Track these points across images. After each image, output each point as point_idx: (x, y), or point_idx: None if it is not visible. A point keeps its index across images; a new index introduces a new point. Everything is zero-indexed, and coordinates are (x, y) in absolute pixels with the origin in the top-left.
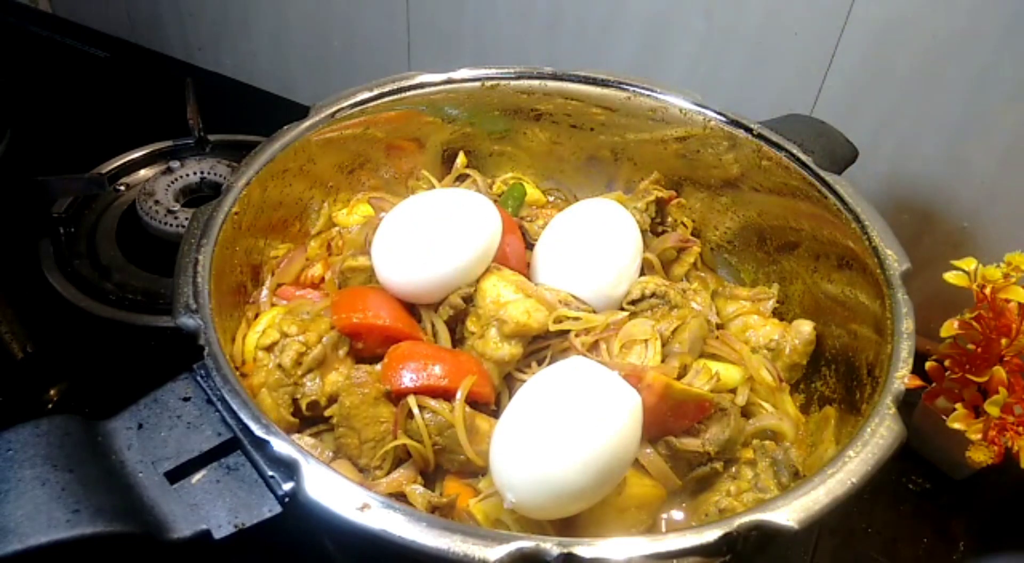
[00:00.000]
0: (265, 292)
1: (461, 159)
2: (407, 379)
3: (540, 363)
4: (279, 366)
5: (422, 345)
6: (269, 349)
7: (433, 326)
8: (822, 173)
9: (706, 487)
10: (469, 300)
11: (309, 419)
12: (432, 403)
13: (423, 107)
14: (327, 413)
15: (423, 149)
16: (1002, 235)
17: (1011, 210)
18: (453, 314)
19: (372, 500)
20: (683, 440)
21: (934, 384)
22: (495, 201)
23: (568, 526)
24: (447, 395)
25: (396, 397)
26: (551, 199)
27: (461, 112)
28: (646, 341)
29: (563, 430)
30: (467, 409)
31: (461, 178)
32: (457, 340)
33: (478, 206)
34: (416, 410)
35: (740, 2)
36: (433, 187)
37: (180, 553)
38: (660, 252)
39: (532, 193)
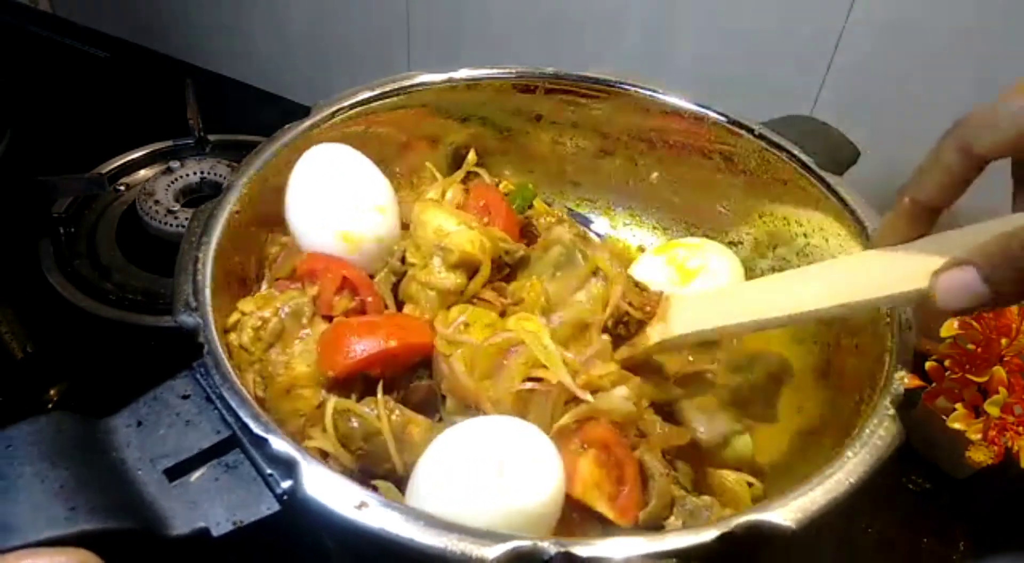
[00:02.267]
0: (264, 286)
1: (471, 156)
2: (342, 359)
3: None
4: (240, 346)
5: (351, 322)
6: (232, 330)
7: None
8: (823, 174)
9: None
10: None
11: None
12: (361, 409)
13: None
14: None
15: (433, 147)
16: None
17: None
18: (395, 280)
19: (370, 499)
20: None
21: (934, 384)
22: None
23: None
24: (392, 361)
25: (343, 379)
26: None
27: (463, 111)
28: None
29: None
30: (398, 414)
31: (469, 176)
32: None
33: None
34: (329, 419)
35: (740, 2)
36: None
37: (179, 550)
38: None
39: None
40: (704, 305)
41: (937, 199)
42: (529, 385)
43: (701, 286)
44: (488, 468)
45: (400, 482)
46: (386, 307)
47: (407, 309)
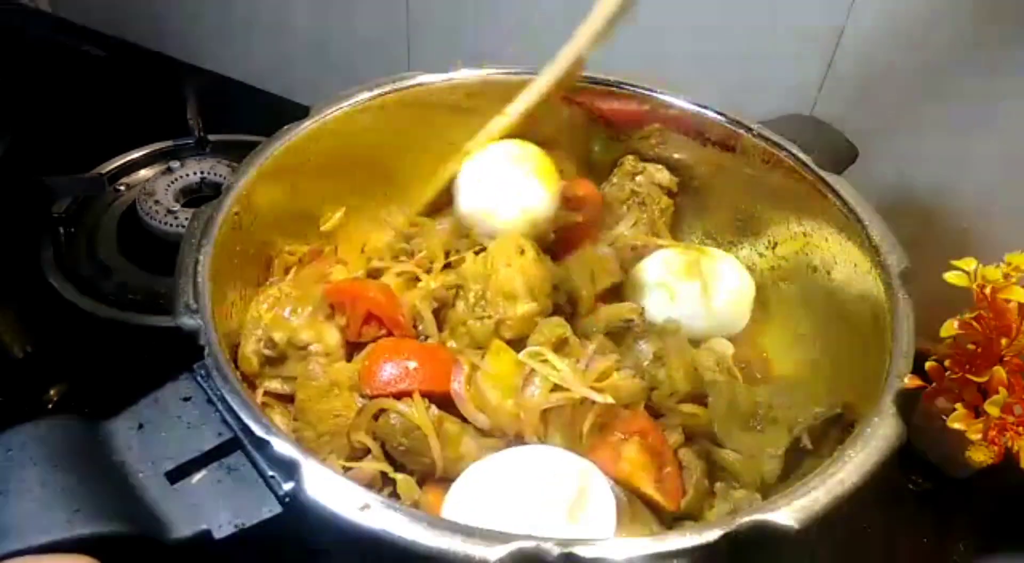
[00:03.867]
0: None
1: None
2: (381, 382)
3: None
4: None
5: (402, 344)
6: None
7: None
8: (822, 173)
9: None
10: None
11: None
12: (400, 407)
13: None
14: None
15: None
16: (1002, 235)
17: (1011, 210)
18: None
19: (373, 500)
20: None
21: (934, 384)
22: None
23: None
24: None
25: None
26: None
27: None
28: None
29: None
30: (435, 412)
31: None
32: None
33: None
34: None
35: (740, 2)
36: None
37: (180, 553)
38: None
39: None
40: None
41: None
42: (555, 401)
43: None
44: (557, 512)
45: (431, 477)
46: (417, 332)
47: (444, 335)
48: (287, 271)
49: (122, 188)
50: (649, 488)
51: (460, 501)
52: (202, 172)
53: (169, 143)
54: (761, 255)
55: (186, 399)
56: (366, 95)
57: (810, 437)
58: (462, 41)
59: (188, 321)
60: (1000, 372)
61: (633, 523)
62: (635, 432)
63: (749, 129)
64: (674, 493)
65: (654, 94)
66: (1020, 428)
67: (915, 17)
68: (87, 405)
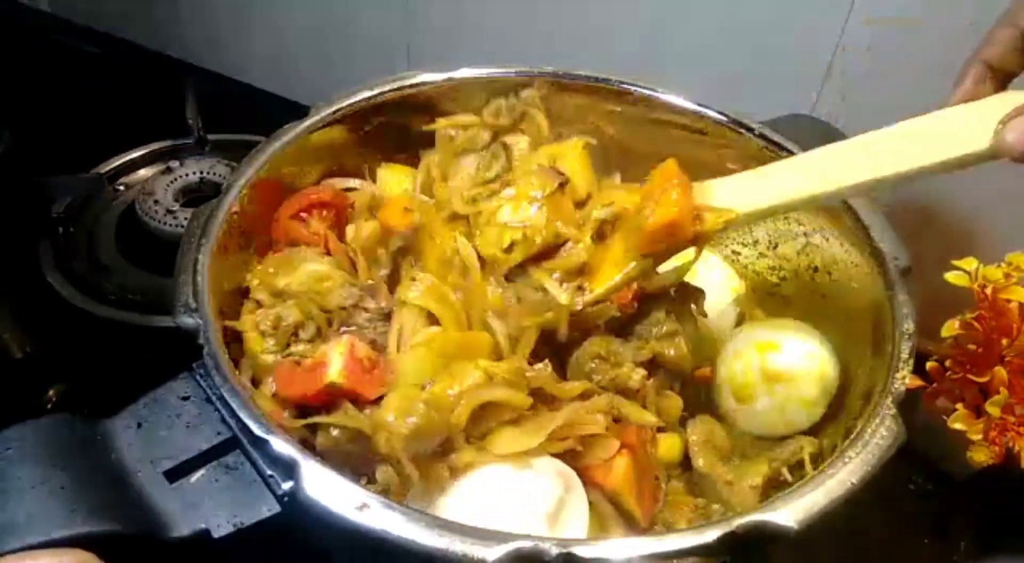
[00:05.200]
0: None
1: None
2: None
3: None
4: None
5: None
6: None
7: None
8: None
9: None
10: None
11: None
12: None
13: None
14: None
15: None
16: (1003, 235)
17: (1012, 210)
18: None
19: (371, 500)
20: None
21: (935, 384)
22: None
23: None
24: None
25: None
26: None
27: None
28: None
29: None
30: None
31: None
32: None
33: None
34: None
35: (740, 2)
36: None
37: (179, 552)
38: None
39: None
40: (753, 184)
41: (1009, 61)
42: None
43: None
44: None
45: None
46: None
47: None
48: None
49: (121, 188)
50: (632, 502)
51: (447, 512)
52: (201, 172)
53: (168, 143)
54: (762, 255)
55: (185, 398)
56: (366, 95)
57: (790, 471)
58: (462, 41)
59: (187, 320)
60: (1001, 372)
61: (603, 531)
62: (627, 445)
63: (750, 129)
64: (650, 509)
65: (655, 94)
66: (1021, 428)
67: (915, 16)
68: (86, 405)
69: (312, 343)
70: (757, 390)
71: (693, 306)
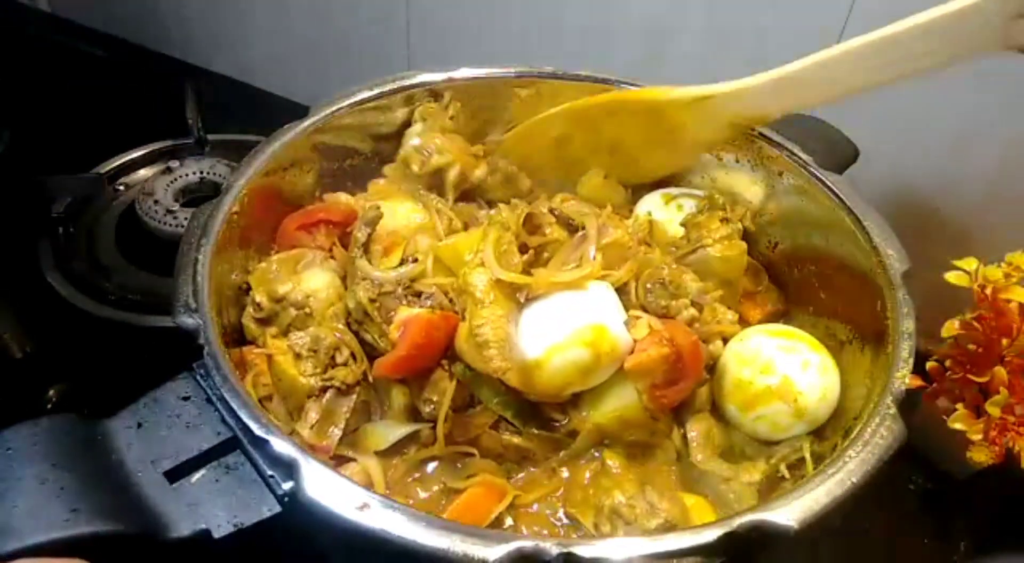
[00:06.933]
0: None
1: None
2: None
3: None
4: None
5: None
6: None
7: None
8: (822, 173)
9: None
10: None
11: None
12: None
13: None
14: None
15: None
16: (1003, 235)
17: (1012, 210)
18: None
19: (372, 500)
20: None
21: (935, 384)
22: None
23: None
24: None
25: None
26: None
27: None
28: None
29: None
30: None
31: None
32: None
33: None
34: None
35: (740, 1)
36: None
37: (179, 553)
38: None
39: None
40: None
41: None
42: None
43: None
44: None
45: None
46: None
47: None
48: None
49: (121, 188)
50: (643, 389)
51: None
52: (201, 172)
53: (168, 143)
54: (762, 255)
55: (185, 398)
56: (365, 95)
57: (788, 469)
58: (462, 41)
59: (187, 320)
60: (1001, 372)
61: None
62: (671, 342)
63: (751, 129)
64: (665, 407)
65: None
66: (1021, 428)
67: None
68: (86, 405)
69: (346, 366)
70: (760, 400)
71: None
